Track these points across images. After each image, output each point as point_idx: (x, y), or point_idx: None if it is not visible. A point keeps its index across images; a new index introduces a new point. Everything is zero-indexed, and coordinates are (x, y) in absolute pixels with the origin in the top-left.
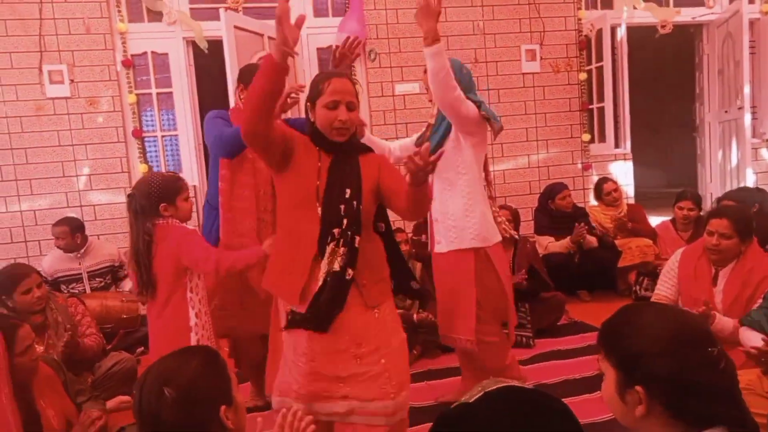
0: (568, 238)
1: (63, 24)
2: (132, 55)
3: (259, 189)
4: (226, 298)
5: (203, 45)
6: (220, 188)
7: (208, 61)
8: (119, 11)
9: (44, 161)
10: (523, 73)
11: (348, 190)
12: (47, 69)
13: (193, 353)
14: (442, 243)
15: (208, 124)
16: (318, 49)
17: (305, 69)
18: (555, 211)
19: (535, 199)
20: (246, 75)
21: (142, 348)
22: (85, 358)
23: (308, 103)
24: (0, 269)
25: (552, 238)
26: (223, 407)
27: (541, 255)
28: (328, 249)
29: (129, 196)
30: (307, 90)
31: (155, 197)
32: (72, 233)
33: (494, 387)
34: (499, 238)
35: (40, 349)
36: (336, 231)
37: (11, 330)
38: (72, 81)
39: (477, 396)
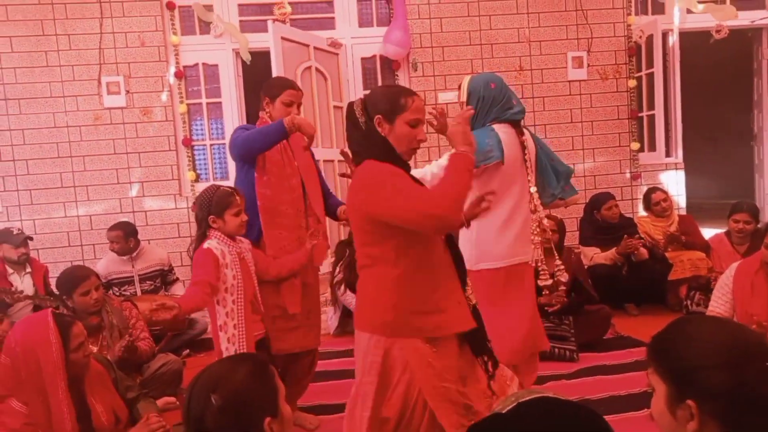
0: (615, 249)
1: (120, 38)
2: (184, 67)
3: (296, 205)
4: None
5: (246, 57)
6: (260, 206)
7: (256, 71)
8: (173, 25)
9: (100, 168)
10: (570, 81)
11: None
12: (105, 80)
13: (242, 361)
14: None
15: (234, 135)
16: (362, 58)
17: (349, 79)
18: (601, 222)
19: (580, 208)
20: (270, 89)
21: (188, 351)
22: (138, 361)
23: (380, 117)
24: (62, 271)
25: (597, 249)
26: (268, 419)
27: (586, 266)
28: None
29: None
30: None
31: (206, 209)
32: (125, 237)
33: (528, 397)
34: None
35: (94, 349)
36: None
37: (66, 327)
38: (128, 92)
39: (510, 407)
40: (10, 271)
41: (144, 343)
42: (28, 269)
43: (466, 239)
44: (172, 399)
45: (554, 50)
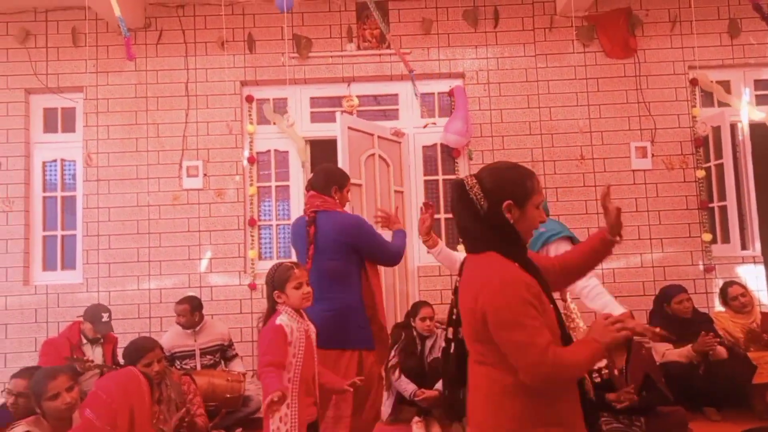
0: (690, 345)
1: (203, 126)
2: (257, 153)
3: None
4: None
5: (304, 158)
6: (374, 285)
7: (321, 158)
8: (250, 115)
9: (174, 245)
10: (634, 170)
11: None
12: (186, 164)
13: None
14: None
15: (377, 234)
16: (423, 147)
17: (411, 165)
18: (672, 316)
19: (649, 301)
20: (340, 179)
21: (241, 429)
22: None
23: (510, 202)
24: (130, 341)
25: (670, 345)
26: None
27: (658, 363)
28: None
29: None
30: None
31: (271, 285)
32: (192, 311)
33: None
34: None
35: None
36: None
37: (152, 384)
38: (205, 175)
39: None
40: (84, 341)
41: (200, 419)
42: (101, 340)
43: None
44: None
45: (617, 140)
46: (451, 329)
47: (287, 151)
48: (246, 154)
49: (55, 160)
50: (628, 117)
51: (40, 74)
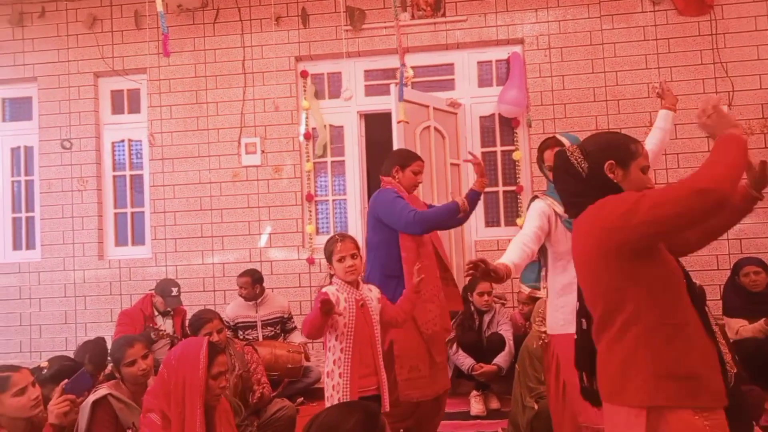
0: (763, 320)
1: (259, 104)
2: (312, 128)
3: (430, 257)
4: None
5: (320, 149)
6: (404, 258)
7: (376, 132)
8: (305, 90)
9: (235, 221)
10: (707, 137)
11: None
12: (244, 141)
13: (355, 409)
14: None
15: (393, 203)
16: (481, 117)
17: (467, 137)
18: (741, 289)
19: (724, 275)
20: (401, 159)
21: (302, 399)
22: (258, 405)
23: (612, 162)
24: (193, 313)
25: (745, 321)
26: None
27: (732, 340)
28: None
29: None
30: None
31: (326, 258)
32: (253, 284)
33: None
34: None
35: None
36: None
37: (214, 353)
38: (263, 151)
39: None
40: (156, 313)
41: (266, 389)
42: (171, 313)
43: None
44: None
45: (690, 105)
46: (584, 320)
47: (342, 126)
48: (302, 129)
49: (122, 141)
50: (702, 80)
51: (106, 57)
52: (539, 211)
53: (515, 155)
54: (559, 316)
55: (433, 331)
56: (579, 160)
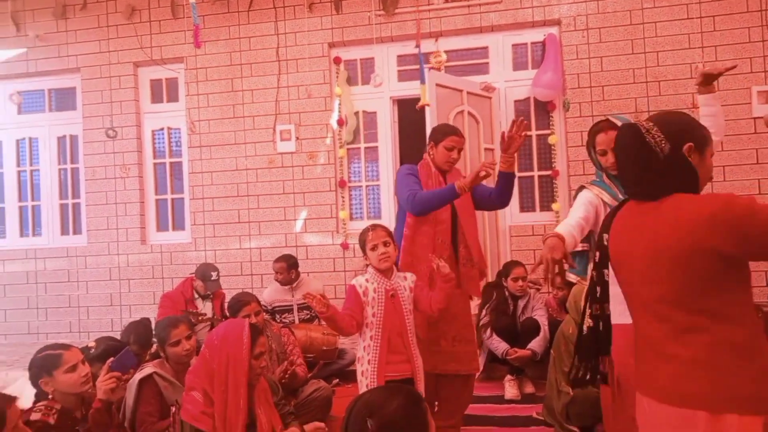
0: None
1: (294, 91)
2: (345, 115)
3: (437, 238)
4: (439, 334)
5: (348, 136)
6: (404, 235)
7: (410, 118)
8: (337, 76)
9: (271, 206)
10: (755, 118)
11: None
12: (279, 128)
13: (398, 392)
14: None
15: (401, 181)
16: (515, 101)
17: (502, 121)
18: None
19: None
20: (435, 134)
21: (337, 380)
22: (294, 386)
23: (691, 145)
24: (232, 296)
25: None
26: None
27: None
28: None
29: None
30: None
31: (361, 248)
32: (288, 269)
33: None
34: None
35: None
36: None
37: (256, 334)
38: (297, 138)
39: None
40: (196, 296)
41: (299, 369)
42: (211, 296)
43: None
44: (322, 425)
45: (735, 85)
46: (597, 306)
47: (375, 112)
48: (335, 116)
49: (162, 129)
50: (750, 58)
51: (145, 47)
52: (586, 201)
53: (551, 139)
54: (613, 307)
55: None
56: (658, 139)
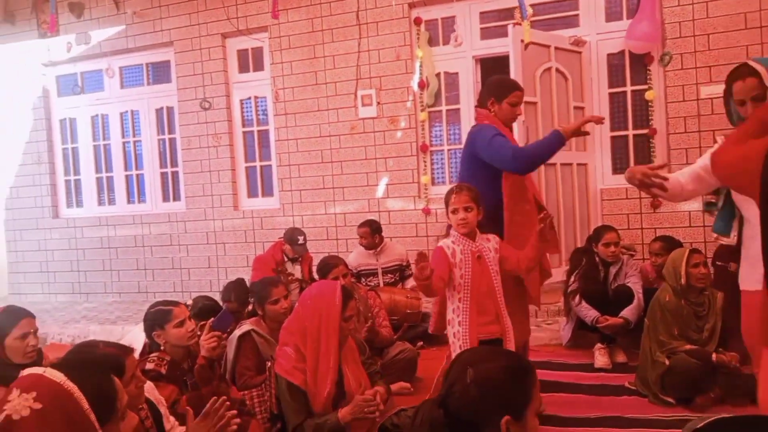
0: None
1: (374, 54)
2: (427, 77)
3: (532, 201)
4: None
5: (430, 99)
6: (505, 203)
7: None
8: (418, 38)
9: (353, 172)
10: None
11: None
12: (360, 94)
13: (506, 356)
14: (746, 279)
15: (493, 141)
16: (608, 55)
17: (593, 78)
18: None
19: None
20: (497, 89)
21: (422, 343)
22: (379, 345)
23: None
24: (321, 259)
25: None
26: (508, 417)
27: None
28: None
29: None
30: None
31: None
32: (372, 233)
33: (701, 424)
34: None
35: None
36: None
37: (347, 297)
38: (378, 103)
39: None
40: (286, 259)
41: (385, 330)
42: (299, 259)
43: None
44: (407, 384)
45: None
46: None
47: (457, 73)
48: (416, 78)
49: (249, 98)
50: None
51: (232, 18)
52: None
53: (648, 95)
54: (745, 270)
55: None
56: None
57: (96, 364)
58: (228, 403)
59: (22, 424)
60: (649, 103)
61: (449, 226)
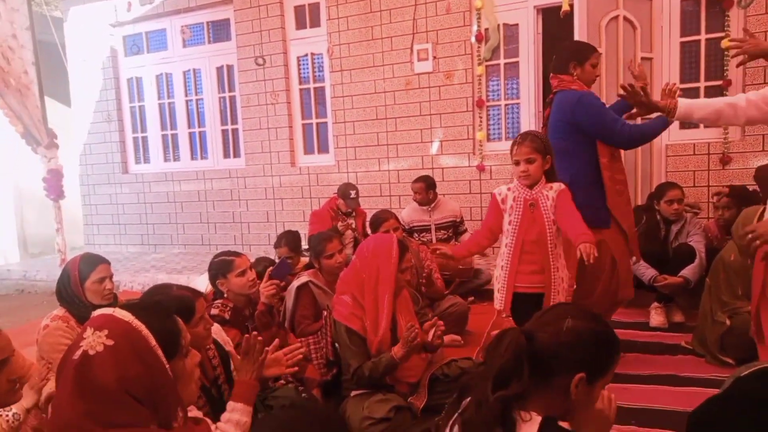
0: None
1: (431, 7)
2: (485, 29)
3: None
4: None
5: (493, 44)
6: (604, 176)
7: (554, 29)
8: None
9: (408, 129)
10: None
11: None
12: (416, 48)
13: (604, 325)
14: None
15: (601, 110)
16: (682, 1)
17: (663, 26)
18: None
19: None
20: (578, 53)
21: (473, 298)
22: (433, 296)
23: None
24: (374, 213)
25: None
26: (583, 375)
27: None
28: None
29: None
30: None
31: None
32: (426, 189)
33: (747, 372)
34: None
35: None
36: None
37: (403, 250)
38: (434, 57)
39: (728, 386)
40: (340, 214)
41: (438, 282)
42: (353, 214)
43: None
44: (457, 337)
45: None
46: None
47: (517, 24)
48: (474, 30)
49: (306, 55)
50: None
51: None
52: None
53: (724, 43)
54: None
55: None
56: None
57: (162, 306)
58: (261, 339)
59: (97, 358)
60: (726, 52)
61: None
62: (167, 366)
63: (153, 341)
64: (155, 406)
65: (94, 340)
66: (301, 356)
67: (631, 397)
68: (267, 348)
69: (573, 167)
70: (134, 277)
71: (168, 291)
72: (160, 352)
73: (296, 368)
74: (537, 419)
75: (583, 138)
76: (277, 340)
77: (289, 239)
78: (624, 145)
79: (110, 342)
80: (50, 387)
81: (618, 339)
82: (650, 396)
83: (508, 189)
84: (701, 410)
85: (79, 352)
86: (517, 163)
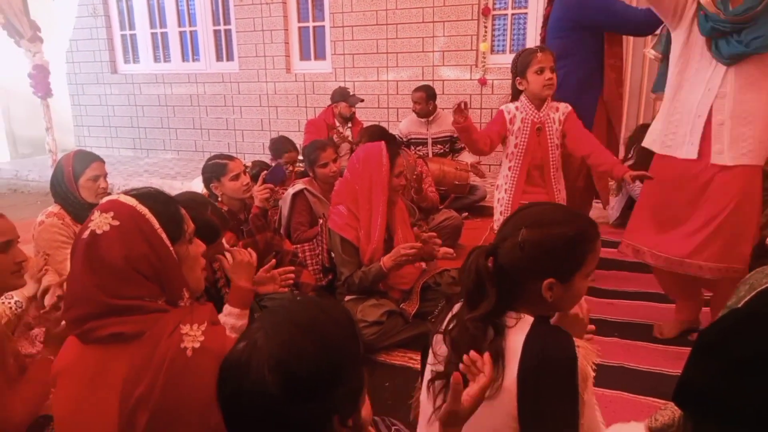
0: None
1: None
2: None
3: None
4: None
5: None
6: (610, 65)
7: None
8: None
9: (408, 36)
10: None
11: None
12: None
13: (566, 222)
14: (725, 153)
15: (612, 2)
16: None
17: None
18: None
19: None
20: None
21: (467, 213)
22: (424, 208)
23: None
24: (368, 126)
25: None
26: (551, 280)
27: None
28: None
29: None
30: None
31: (513, 71)
32: (427, 99)
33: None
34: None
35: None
36: None
37: (394, 156)
38: None
39: (747, 298)
40: (338, 123)
41: (432, 195)
42: (350, 124)
43: (730, 126)
44: (450, 250)
45: None
46: None
47: None
48: None
49: None
50: None
51: None
52: None
53: None
54: None
55: None
56: None
57: (164, 193)
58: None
59: (104, 237)
60: None
61: (520, 92)
62: (171, 248)
63: (157, 224)
64: (162, 285)
65: (101, 221)
66: (292, 281)
67: (616, 311)
68: (264, 266)
69: (578, 70)
70: (127, 180)
71: (203, 210)
72: (164, 235)
73: (288, 288)
74: (528, 320)
75: (590, 37)
76: (273, 260)
77: (275, 142)
78: (638, 33)
79: (116, 222)
80: (48, 279)
81: (587, 228)
82: (634, 311)
83: (516, 108)
84: (715, 329)
85: (87, 232)
86: (541, 71)
